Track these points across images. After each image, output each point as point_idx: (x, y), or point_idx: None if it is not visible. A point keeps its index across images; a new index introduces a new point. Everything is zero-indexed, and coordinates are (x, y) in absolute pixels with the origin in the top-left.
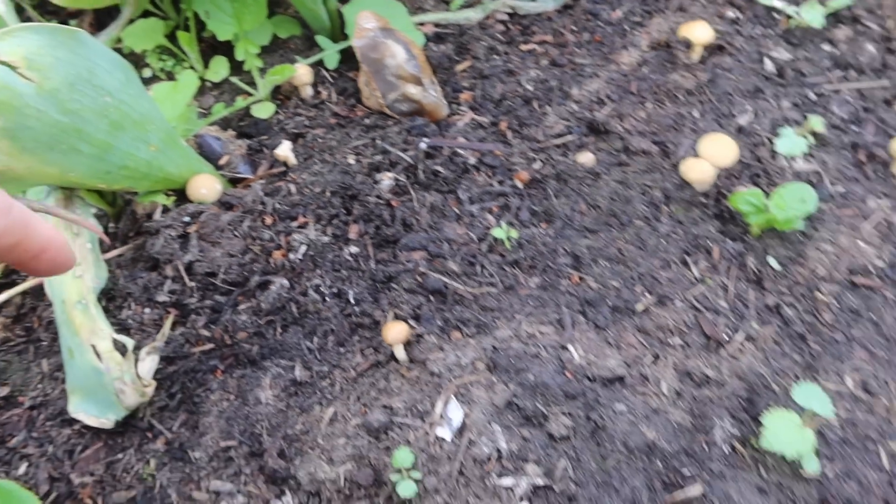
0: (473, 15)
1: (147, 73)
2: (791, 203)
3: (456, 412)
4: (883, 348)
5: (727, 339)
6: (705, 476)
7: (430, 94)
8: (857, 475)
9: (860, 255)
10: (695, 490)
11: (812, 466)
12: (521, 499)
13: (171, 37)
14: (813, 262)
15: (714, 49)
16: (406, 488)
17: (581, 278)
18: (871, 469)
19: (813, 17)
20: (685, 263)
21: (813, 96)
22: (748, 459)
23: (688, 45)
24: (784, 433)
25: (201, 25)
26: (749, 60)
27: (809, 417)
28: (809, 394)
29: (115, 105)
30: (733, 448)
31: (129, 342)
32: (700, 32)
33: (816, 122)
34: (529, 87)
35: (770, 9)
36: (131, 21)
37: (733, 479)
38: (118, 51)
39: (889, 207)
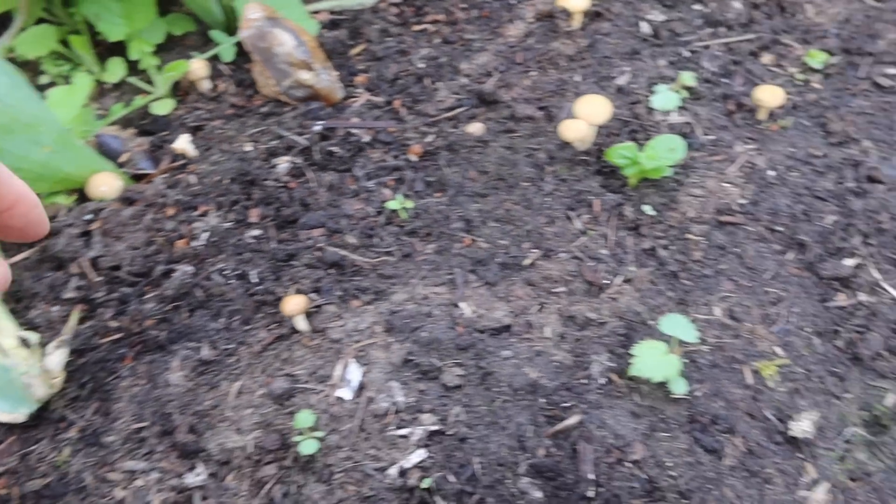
0: (367, 0)
1: (45, 79)
2: (661, 153)
3: (355, 373)
4: (746, 278)
5: (607, 283)
6: (583, 407)
7: (324, 79)
8: (724, 393)
9: (726, 196)
10: (573, 420)
11: (679, 388)
12: (417, 446)
13: (68, 42)
14: (684, 205)
15: (593, 16)
16: (307, 446)
17: (473, 240)
18: (737, 387)
19: None
20: (569, 218)
21: (686, 53)
22: (624, 389)
23: (568, 13)
24: (651, 360)
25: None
26: (626, 24)
27: (675, 345)
28: (674, 324)
29: (1, 109)
30: (610, 380)
31: (34, 336)
32: (576, 1)
33: (688, 78)
34: (422, 66)
35: None
36: (25, 29)
37: (609, 407)
38: (12, 60)
39: (753, 150)
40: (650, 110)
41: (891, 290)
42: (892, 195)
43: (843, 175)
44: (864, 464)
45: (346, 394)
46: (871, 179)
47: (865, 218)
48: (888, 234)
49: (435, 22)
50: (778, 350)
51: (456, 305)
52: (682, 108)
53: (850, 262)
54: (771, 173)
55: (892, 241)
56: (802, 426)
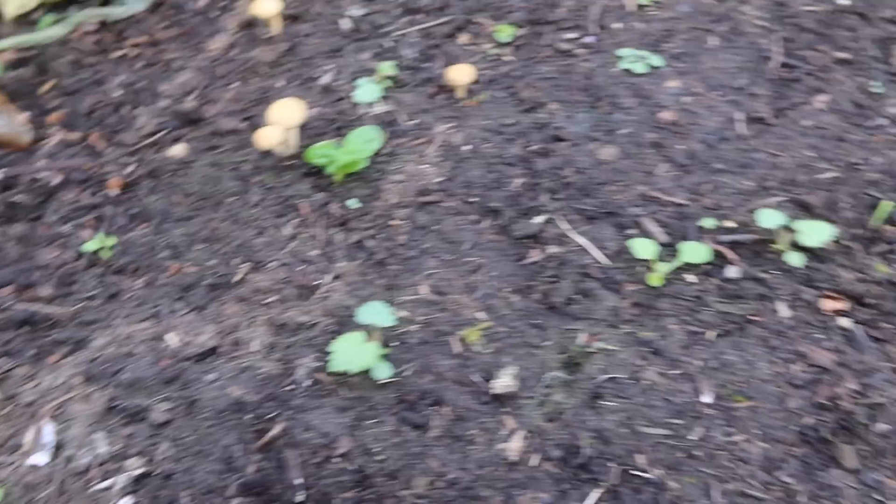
0: (57, 32)
1: None
2: (358, 146)
3: (51, 434)
4: (447, 252)
5: (318, 283)
6: (289, 413)
7: (2, 124)
8: (433, 367)
9: (425, 177)
10: (277, 429)
11: (382, 373)
12: (123, 494)
13: None
14: (388, 193)
15: (293, 19)
16: None
17: (180, 267)
18: (445, 358)
19: None
20: (278, 225)
21: (388, 44)
22: (332, 386)
23: (266, 20)
24: (349, 353)
25: None
26: (327, 23)
27: (374, 332)
28: (372, 312)
29: None
30: (317, 380)
31: None
32: (265, 6)
33: (388, 67)
34: (120, 93)
35: None
36: None
37: (315, 408)
38: None
39: (452, 128)
40: (355, 104)
41: (576, 238)
42: (575, 150)
43: (531, 139)
44: (561, 404)
45: (41, 458)
46: (557, 138)
47: (551, 175)
48: (573, 186)
49: (136, 45)
50: (481, 315)
51: (161, 338)
52: (385, 97)
53: (539, 219)
54: (466, 148)
55: (577, 193)
56: (504, 382)
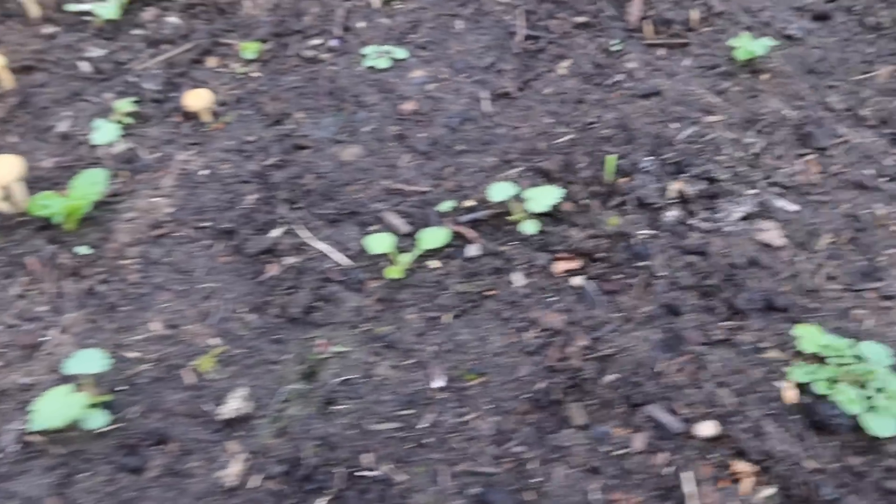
0: None
1: None
2: (84, 189)
3: None
4: (180, 283)
5: (44, 340)
6: None
7: None
8: (162, 405)
9: (158, 210)
10: None
11: (96, 422)
12: None
13: None
14: (120, 233)
15: (27, 70)
16: None
17: None
18: (176, 392)
19: (107, 10)
20: (5, 287)
21: (132, 79)
22: (42, 447)
23: None
24: (51, 409)
25: None
26: (65, 69)
27: (86, 381)
28: (81, 361)
29: None
30: (26, 444)
31: None
32: None
33: (126, 104)
34: None
35: (81, 13)
36: None
37: (20, 474)
38: None
39: (192, 155)
40: (93, 148)
41: (316, 244)
42: (317, 155)
43: (271, 152)
44: (294, 417)
45: None
46: (299, 147)
47: (290, 185)
48: (314, 193)
49: None
50: (216, 341)
51: None
52: (127, 135)
53: (275, 232)
54: (203, 173)
55: (319, 199)
56: (233, 406)
